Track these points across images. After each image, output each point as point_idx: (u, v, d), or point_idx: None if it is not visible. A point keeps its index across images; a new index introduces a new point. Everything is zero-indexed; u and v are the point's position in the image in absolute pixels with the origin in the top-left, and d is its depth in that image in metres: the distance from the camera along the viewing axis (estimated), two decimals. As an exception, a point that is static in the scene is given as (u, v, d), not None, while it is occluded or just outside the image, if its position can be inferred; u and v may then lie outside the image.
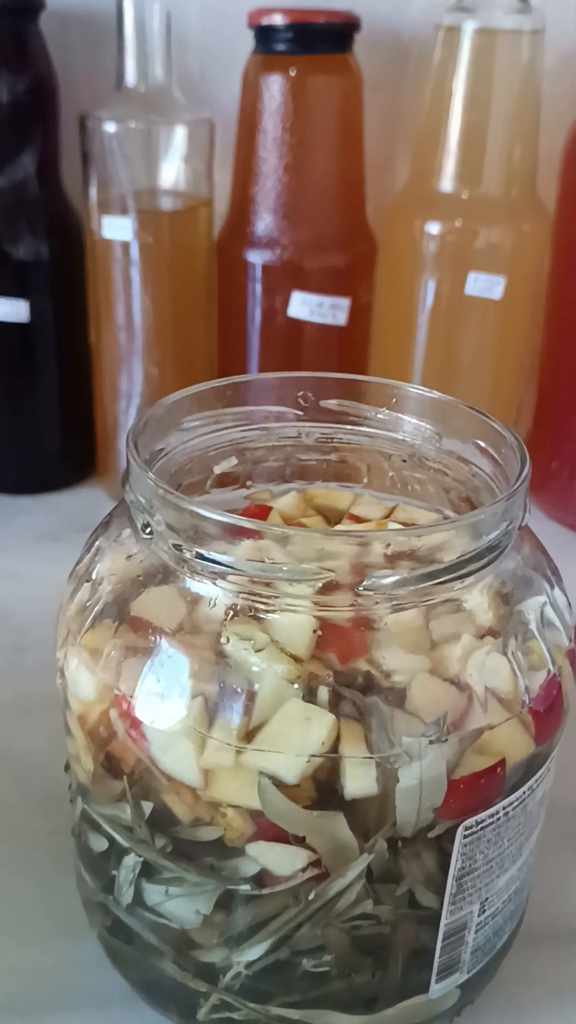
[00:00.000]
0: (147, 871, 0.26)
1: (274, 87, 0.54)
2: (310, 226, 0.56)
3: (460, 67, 0.54)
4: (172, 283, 0.56)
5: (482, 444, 0.29)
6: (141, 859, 0.26)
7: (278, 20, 0.52)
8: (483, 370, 0.60)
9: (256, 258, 0.56)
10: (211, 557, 0.23)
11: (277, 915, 0.25)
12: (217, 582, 0.24)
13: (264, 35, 0.53)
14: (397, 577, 0.23)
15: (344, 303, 0.56)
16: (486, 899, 0.27)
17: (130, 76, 0.53)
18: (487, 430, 0.28)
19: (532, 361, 0.61)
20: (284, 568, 0.23)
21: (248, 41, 0.55)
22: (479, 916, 0.27)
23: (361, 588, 0.23)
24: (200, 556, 0.24)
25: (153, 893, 0.26)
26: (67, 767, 0.29)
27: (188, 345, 0.58)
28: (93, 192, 0.55)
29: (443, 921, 0.26)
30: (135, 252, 0.55)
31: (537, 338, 0.60)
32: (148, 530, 0.25)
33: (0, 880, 0.35)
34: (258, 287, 0.57)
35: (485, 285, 0.56)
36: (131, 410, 0.59)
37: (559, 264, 0.58)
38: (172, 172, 0.55)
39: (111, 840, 0.27)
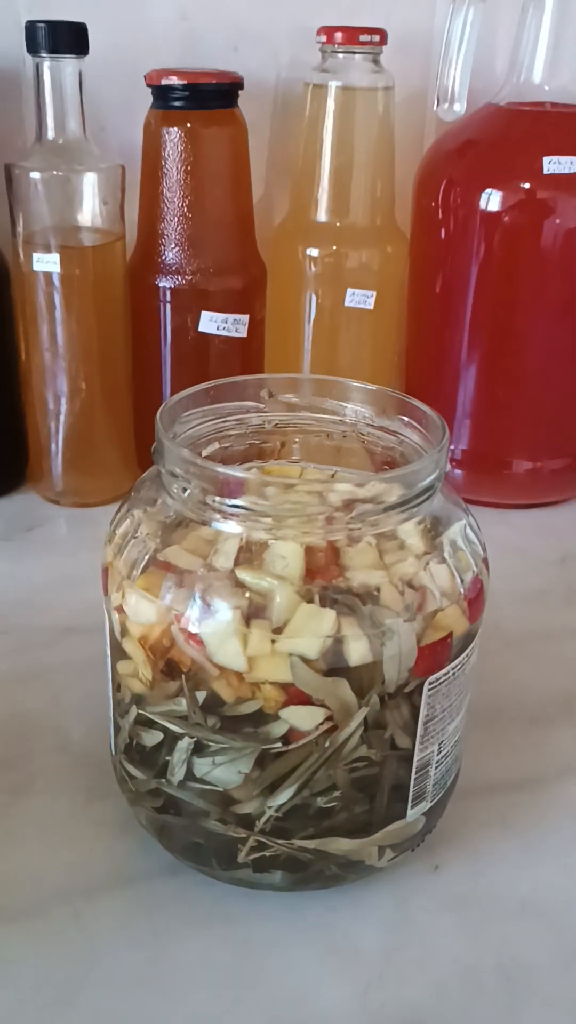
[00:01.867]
0: (197, 748, 0.35)
1: (173, 137, 0.63)
2: (211, 254, 0.65)
3: (327, 118, 0.65)
4: (93, 308, 0.64)
5: (406, 419, 0.39)
6: (193, 740, 0.35)
7: (175, 81, 0.62)
8: (361, 368, 0.71)
9: (167, 283, 0.65)
10: (237, 503, 0.33)
11: (300, 764, 0.34)
12: (238, 521, 0.33)
13: (162, 93, 0.62)
14: (370, 508, 0.33)
15: (244, 318, 0.66)
16: (442, 741, 0.37)
17: (49, 131, 0.61)
18: (411, 409, 0.39)
19: (400, 358, 0.72)
20: (287, 506, 0.33)
21: (144, 94, 0.64)
22: (438, 755, 0.37)
23: (350, 517, 0.33)
24: (231, 505, 0.33)
25: (202, 765, 0.35)
26: (117, 688, 0.38)
27: (109, 362, 0.66)
28: (20, 231, 0.62)
29: (415, 758, 0.36)
30: (59, 283, 0.63)
31: (403, 339, 0.72)
32: (187, 492, 0.34)
33: (39, 807, 0.43)
34: (168, 308, 0.66)
35: (360, 298, 0.67)
36: (61, 420, 0.67)
37: (416, 277, 0.70)
38: (89, 212, 0.63)
39: (165, 732, 0.36)
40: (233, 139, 0.64)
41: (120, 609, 0.36)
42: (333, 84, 0.65)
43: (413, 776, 0.37)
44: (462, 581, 0.35)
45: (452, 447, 0.71)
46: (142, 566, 0.35)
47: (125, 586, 0.35)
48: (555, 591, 0.61)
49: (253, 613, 0.33)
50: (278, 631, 0.33)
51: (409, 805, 0.37)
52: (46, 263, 0.62)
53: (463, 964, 0.37)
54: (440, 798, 0.39)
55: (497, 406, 0.69)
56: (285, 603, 0.33)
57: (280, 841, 0.36)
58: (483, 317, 0.67)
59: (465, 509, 0.38)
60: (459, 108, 0.64)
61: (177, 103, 0.62)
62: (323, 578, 0.34)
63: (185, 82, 0.61)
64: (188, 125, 0.62)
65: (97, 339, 0.65)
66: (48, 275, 0.62)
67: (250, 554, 0.34)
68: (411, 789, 0.37)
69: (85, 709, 0.48)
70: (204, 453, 0.40)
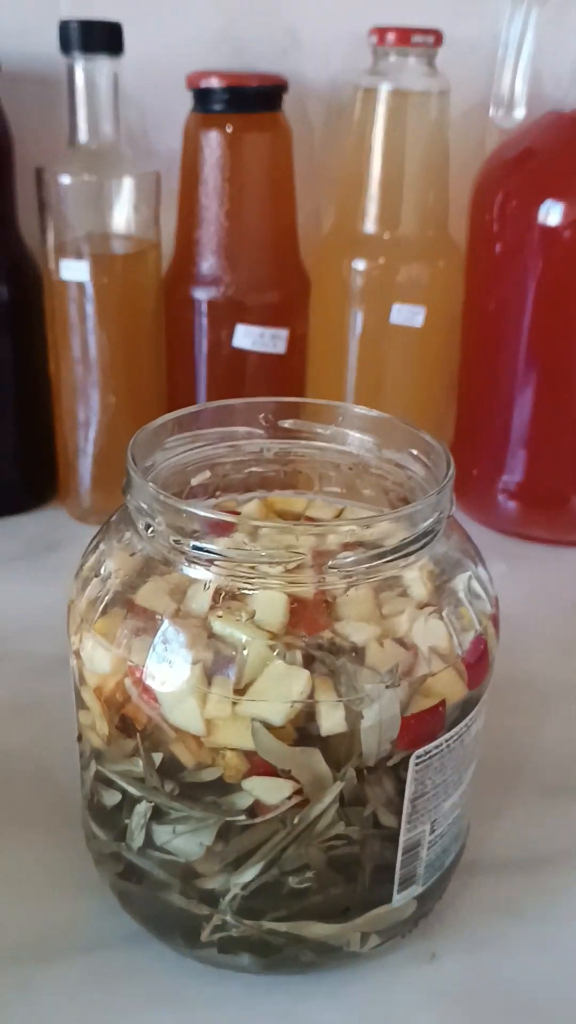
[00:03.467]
0: (156, 814, 0.31)
1: (213, 142, 0.60)
2: (250, 266, 0.62)
3: (377, 123, 0.61)
4: (125, 319, 0.62)
5: (415, 452, 0.35)
6: (152, 804, 0.31)
7: (215, 83, 0.59)
8: (409, 390, 0.67)
9: (202, 295, 0.62)
10: (206, 548, 0.29)
11: (267, 840, 0.31)
12: (210, 568, 0.30)
13: (202, 96, 0.60)
14: (354, 556, 0.29)
15: (283, 334, 0.63)
16: (435, 820, 0.33)
17: (82, 134, 0.59)
18: (419, 441, 0.35)
19: (451, 380, 0.68)
20: (263, 553, 0.29)
21: (185, 98, 0.61)
22: (430, 835, 0.33)
23: (327, 566, 0.29)
24: (197, 547, 0.29)
25: (162, 833, 0.32)
26: (79, 738, 0.34)
27: (140, 375, 0.64)
28: (50, 238, 0.60)
29: (401, 838, 0.32)
30: (90, 292, 0.60)
31: (455, 360, 0.67)
32: (151, 530, 0.31)
33: (6, 854, 0.40)
34: (204, 321, 0.63)
35: (408, 315, 0.63)
36: (90, 435, 0.64)
37: (470, 294, 0.65)
38: (123, 219, 0.60)
39: (123, 792, 0.32)
40: (276, 144, 0.61)
41: (78, 654, 0.32)
42: (384, 87, 0.61)
43: (400, 857, 0.32)
44: (460, 643, 0.31)
45: (505, 478, 0.66)
46: (102, 607, 0.32)
47: (83, 629, 0.32)
48: (604, 640, 0.56)
49: (216, 669, 0.29)
50: (241, 692, 0.29)
51: (396, 888, 0.33)
52: (75, 271, 0.60)
53: (450, 1077, 0.32)
54: (436, 880, 0.35)
55: (555, 435, 0.64)
56: (253, 659, 0.29)
57: (248, 922, 0.32)
58: (541, 339, 0.62)
59: (475, 556, 0.34)
60: (518, 115, 0.60)
61: (217, 106, 0.59)
62: (307, 630, 0.30)
63: (226, 84, 0.59)
64: (228, 129, 0.59)
65: (129, 352, 0.62)
66: (79, 284, 0.60)
67: (233, 602, 0.30)
68: (398, 872, 0.33)
69: (75, 749, 0.45)
70: (194, 482, 0.37)
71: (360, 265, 0.63)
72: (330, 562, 0.29)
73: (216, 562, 0.30)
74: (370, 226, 0.63)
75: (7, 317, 0.63)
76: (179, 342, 0.64)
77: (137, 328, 0.62)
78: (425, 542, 0.31)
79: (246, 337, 0.62)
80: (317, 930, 0.32)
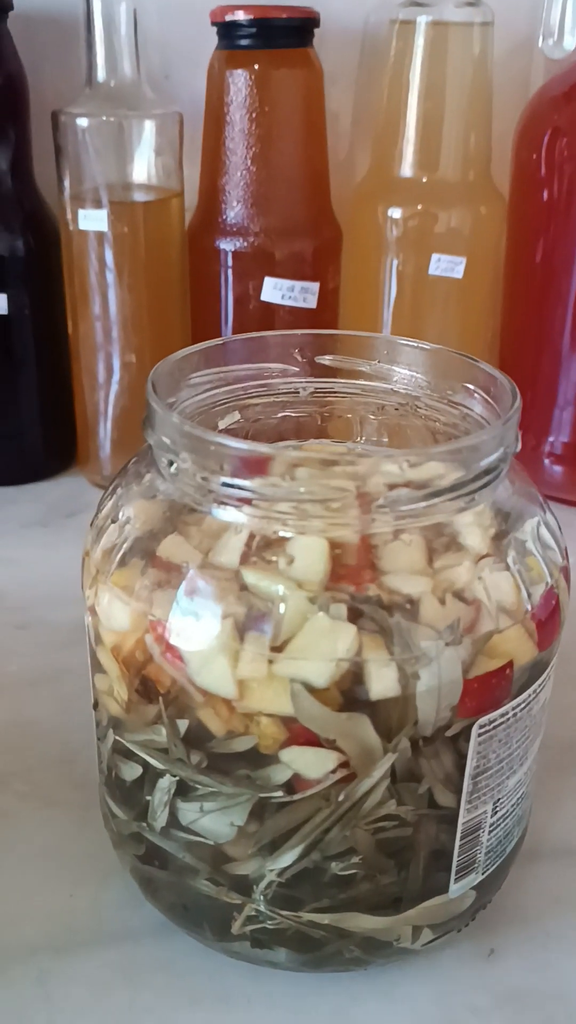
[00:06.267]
0: (182, 790, 0.28)
1: (239, 81, 0.56)
2: (279, 214, 0.58)
3: (415, 59, 0.57)
4: (147, 272, 0.58)
5: (471, 387, 0.31)
6: (176, 779, 0.28)
7: (241, 16, 0.55)
8: (448, 346, 0.62)
9: (228, 246, 0.58)
10: (238, 484, 0.25)
11: (308, 820, 0.27)
12: (241, 509, 0.26)
13: (227, 31, 0.56)
14: (406, 493, 0.25)
15: (314, 287, 0.59)
16: (498, 799, 0.29)
17: (100, 72, 0.55)
18: (477, 373, 0.31)
19: (494, 336, 0.64)
20: (302, 489, 0.25)
21: (210, 37, 0.57)
22: (492, 816, 0.29)
23: (376, 504, 0.25)
24: (227, 484, 0.26)
25: (188, 812, 0.28)
26: (95, 705, 0.31)
27: (164, 333, 0.60)
28: (67, 185, 0.56)
29: (460, 820, 0.28)
30: (110, 243, 0.57)
31: (497, 314, 0.63)
32: (174, 467, 0.27)
33: (25, 834, 0.36)
34: (230, 274, 0.59)
35: (447, 265, 0.59)
36: (111, 398, 0.61)
37: (514, 244, 0.61)
38: (143, 165, 0.57)
39: (145, 766, 0.28)
40: (306, 83, 0.57)
41: (93, 610, 0.29)
42: (422, 19, 0.56)
43: (458, 843, 0.28)
44: (530, 595, 0.27)
45: (551, 439, 0.61)
46: (119, 556, 0.28)
47: (99, 582, 0.28)
48: None
49: (250, 624, 0.26)
50: (278, 649, 0.25)
51: (453, 877, 0.29)
52: (94, 220, 0.56)
53: None
54: (497, 868, 0.31)
55: (605, 393, 0.60)
56: (292, 613, 0.25)
57: (284, 912, 0.28)
58: (591, 290, 0.57)
59: (542, 504, 0.30)
60: (568, 44, 0.55)
61: (243, 41, 0.55)
62: (352, 583, 0.26)
63: (252, 17, 0.55)
64: (255, 66, 0.55)
65: (150, 308, 0.59)
66: (98, 235, 0.56)
67: (267, 551, 0.26)
68: (455, 858, 0.29)
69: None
70: (222, 425, 0.33)
71: (396, 212, 0.59)
72: (379, 500, 0.25)
73: (249, 502, 0.26)
74: (407, 170, 0.59)
75: (25, 272, 0.59)
76: (204, 297, 0.60)
77: (159, 282, 0.59)
78: (488, 480, 0.27)
79: (275, 291, 0.58)
80: (364, 923, 0.29)
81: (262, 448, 0.26)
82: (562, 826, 0.37)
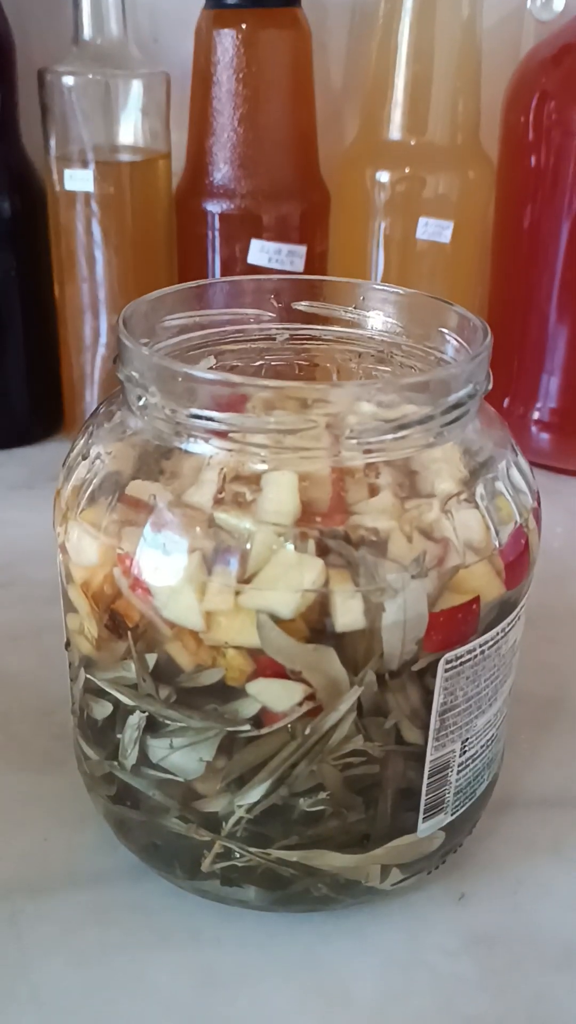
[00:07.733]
0: (151, 727, 0.28)
1: (226, 40, 0.56)
2: (266, 176, 0.58)
3: (404, 21, 0.57)
4: (133, 234, 0.58)
5: (445, 331, 0.31)
6: (145, 715, 0.28)
7: (228, -25, 0.54)
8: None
9: (215, 207, 0.58)
10: (207, 415, 0.25)
11: (275, 754, 0.27)
12: (210, 442, 0.26)
13: (215, -10, 0.55)
14: (374, 424, 0.25)
15: (301, 250, 0.58)
16: (466, 739, 0.29)
17: (86, 30, 0.55)
18: (451, 316, 0.31)
19: (481, 301, 0.63)
20: (271, 420, 0.25)
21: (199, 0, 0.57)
22: (461, 756, 0.29)
23: (345, 436, 0.25)
24: (195, 416, 0.26)
25: (158, 748, 0.28)
26: (67, 645, 0.31)
27: (150, 296, 0.60)
28: (53, 146, 0.56)
29: (428, 758, 0.28)
30: (96, 203, 0.56)
31: (485, 280, 0.63)
32: (143, 401, 0.27)
33: (1, 782, 0.37)
34: (217, 236, 0.59)
35: (435, 229, 0.59)
36: (97, 361, 0.60)
37: (502, 209, 0.61)
38: (130, 126, 0.56)
39: (116, 704, 0.29)
40: (294, 43, 0.57)
41: (63, 548, 0.29)
42: (411, -21, 0.56)
43: (426, 781, 0.29)
44: (498, 533, 0.27)
45: (538, 406, 0.61)
46: (89, 491, 0.28)
47: (69, 518, 0.28)
48: None
49: (217, 558, 0.26)
50: (245, 581, 0.25)
51: (421, 816, 0.29)
52: (79, 180, 0.56)
53: (482, 1025, 0.29)
54: (467, 810, 0.31)
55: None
56: (259, 546, 0.25)
57: (253, 849, 0.29)
58: (579, 255, 0.57)
59: (513, 447, 0.30)
60: (558, 5, 0.55)
61: (230, 1, 0.55)
62: (326, 522, 0.26)
63: (240, -25, 0.54)
64: (243, 26, 0.55)
65: (137, 269, 0.59)
66: (84, 195, 0.56)
67: (241, 491, 0.26)
68: (424, 797, 0.29)
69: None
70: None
71: (384, 176, 0.59)
72: (348, 430, 0.25)
73: (218, 434, 0.26)
74: (395, 133, 0.59)
75: (10, 233, 0.59)
76: (191, 260, 0.60)
77: (146, 243, 0.58)
78: (457, 415, 0.27)
79: (261, 253, 0.58)
80: (332, 861, 0.29)
81: (231, 378, 0.26)
82: (536, 777, 0.37)
